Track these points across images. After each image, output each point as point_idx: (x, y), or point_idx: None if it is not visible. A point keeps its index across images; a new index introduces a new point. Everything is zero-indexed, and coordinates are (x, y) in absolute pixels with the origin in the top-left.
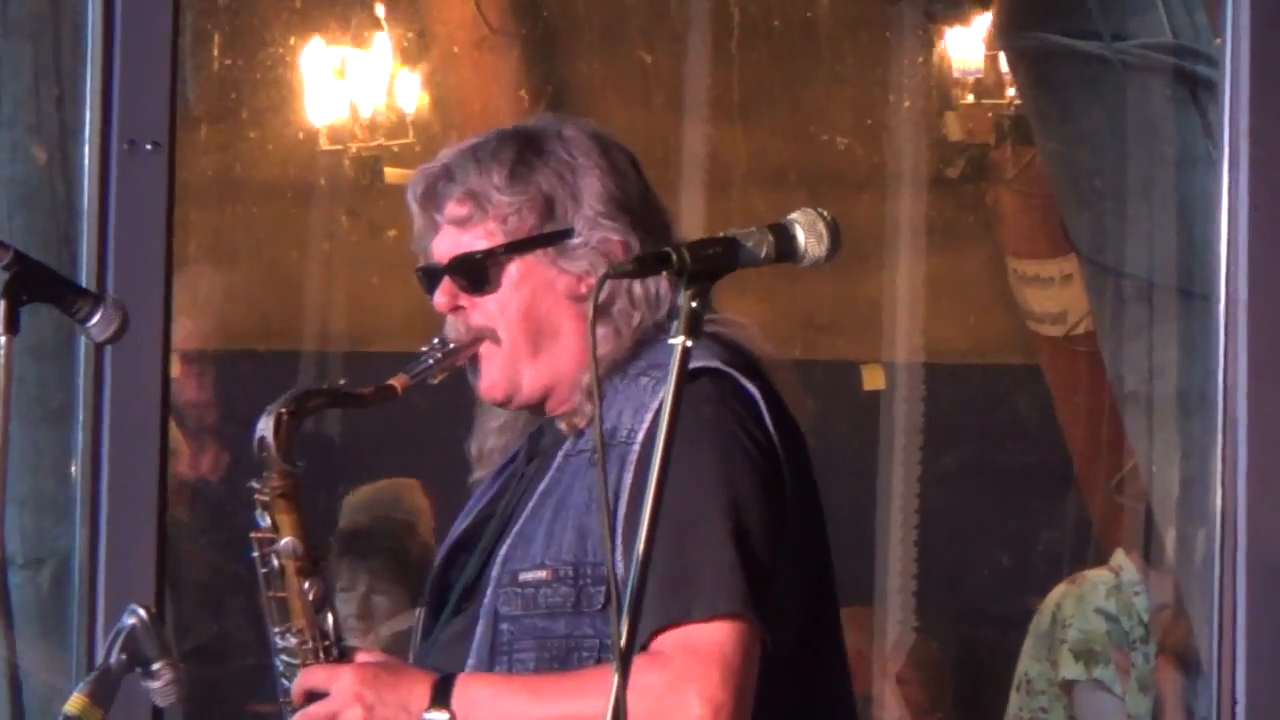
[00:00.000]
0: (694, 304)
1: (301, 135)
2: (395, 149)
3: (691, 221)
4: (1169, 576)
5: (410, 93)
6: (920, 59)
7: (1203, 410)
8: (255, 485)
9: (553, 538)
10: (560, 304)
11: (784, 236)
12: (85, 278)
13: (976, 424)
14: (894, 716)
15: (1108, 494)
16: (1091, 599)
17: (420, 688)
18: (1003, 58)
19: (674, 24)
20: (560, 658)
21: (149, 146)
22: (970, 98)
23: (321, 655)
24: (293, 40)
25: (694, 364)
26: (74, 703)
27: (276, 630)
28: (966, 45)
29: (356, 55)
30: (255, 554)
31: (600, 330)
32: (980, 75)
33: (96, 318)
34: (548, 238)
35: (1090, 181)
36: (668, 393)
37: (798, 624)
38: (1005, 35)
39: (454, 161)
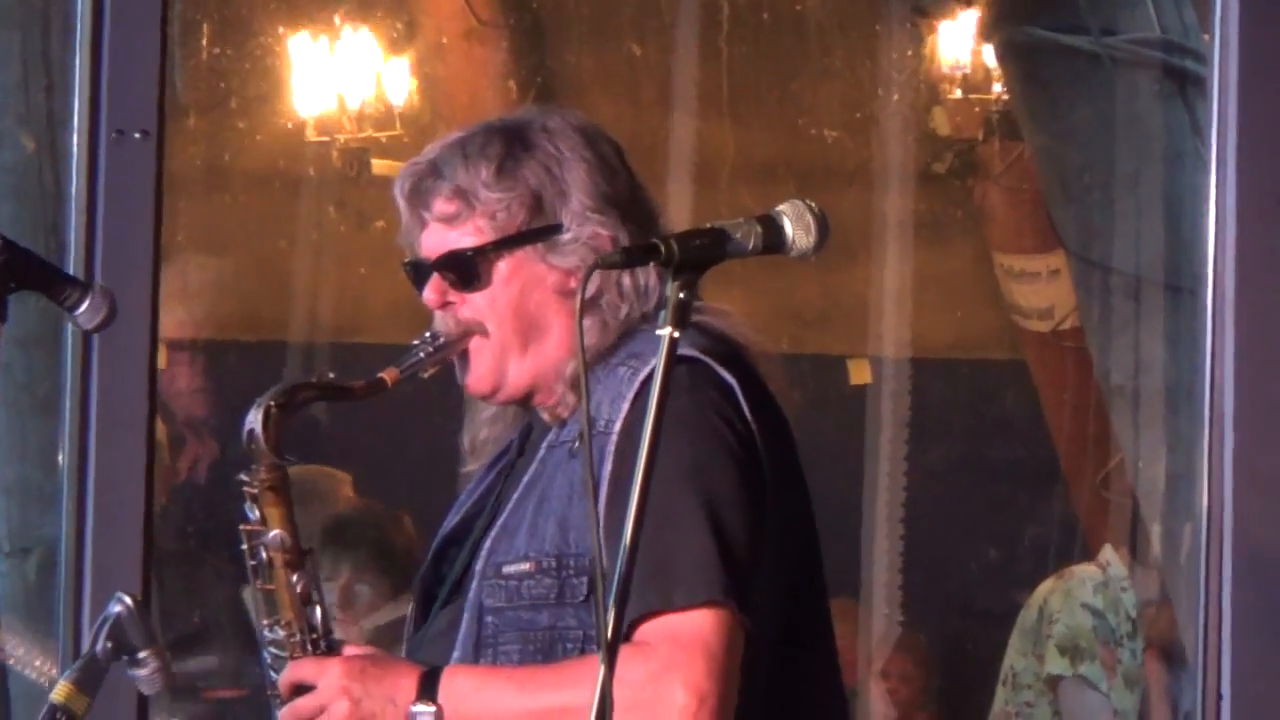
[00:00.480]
0: (682, 295)
1: (290, 126)
2: (383, 140)
3: (679, 215)
4: (1154, 571)
5: (398, 84)
6: (909, 54)
7: (1189, 405)
8: (244, 478)
9: (535, 530)
10: (549, 299)
11: (772, 228)
12: (73, 266)
13: (963, 419)
14: (879, 710)
15: (1094, 489)
16: (1079, 595)
17: (407, 680)
18: (991, 53)
19: (663, 17)
20: (544, 649)
21: (137, 135)
22: (958, 93)
23: (309, 648)
24: (281, 30)
25: None
26: (61, 691)
27: (265, 622)
28: (955, 40)
29: (344, 46)
30: (244, 546)
31: (588, 322)
32: (968, 70)
33: (84, 306)
34: (536, 233)
35: (1078, 177)
36: (655, 383)
37: (782, 611)
38: (994, 30)
39: (440, 158)
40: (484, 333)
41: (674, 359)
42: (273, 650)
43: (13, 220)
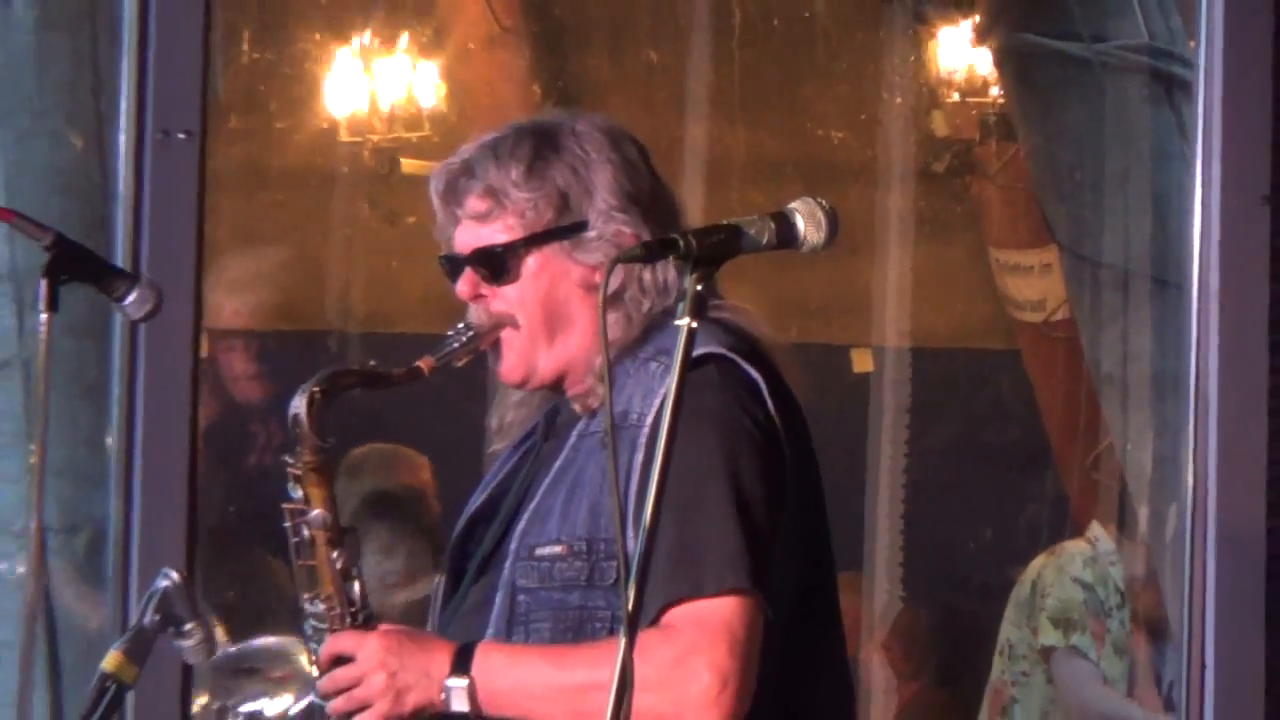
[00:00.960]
0: (698, 287)
1: (325, 127)
2: (413, 141)
3: (693, 212)
4: (1142, 548)
5: (427, 87)
6: (910, 59)
7: (1175, 392)
8: (288, 459)
9: (568, 515)
10: (575, 293)
11: (785, 224)
12: (121, 259)
13: (960, 405)
14: (881, 679)
15: (1084, 471)
16: (1069, 569)
17: (441, 655)
18: (988, 58)
19: (678, 24)
20: (574, 628)
21: (181, 135)
22: (957, 96)
23: (348, 621)
24: (317, 36)
25: (699, 350)
26: (111, 660)
27: (305, 596)
28: (954, 46)
29: (376, 52)
30: (287, 524)
31: (611, 316)
32: (967, 74)
33: (132, 297)
34: (563, 231)
35: (1070, 176)
36: (673, 371)
37: (796, 594)
38: (990, 36)
39: (473, 158)
40: (514, 324)
41: (696, 355)
42: (313, 623)
43: (63, 216)
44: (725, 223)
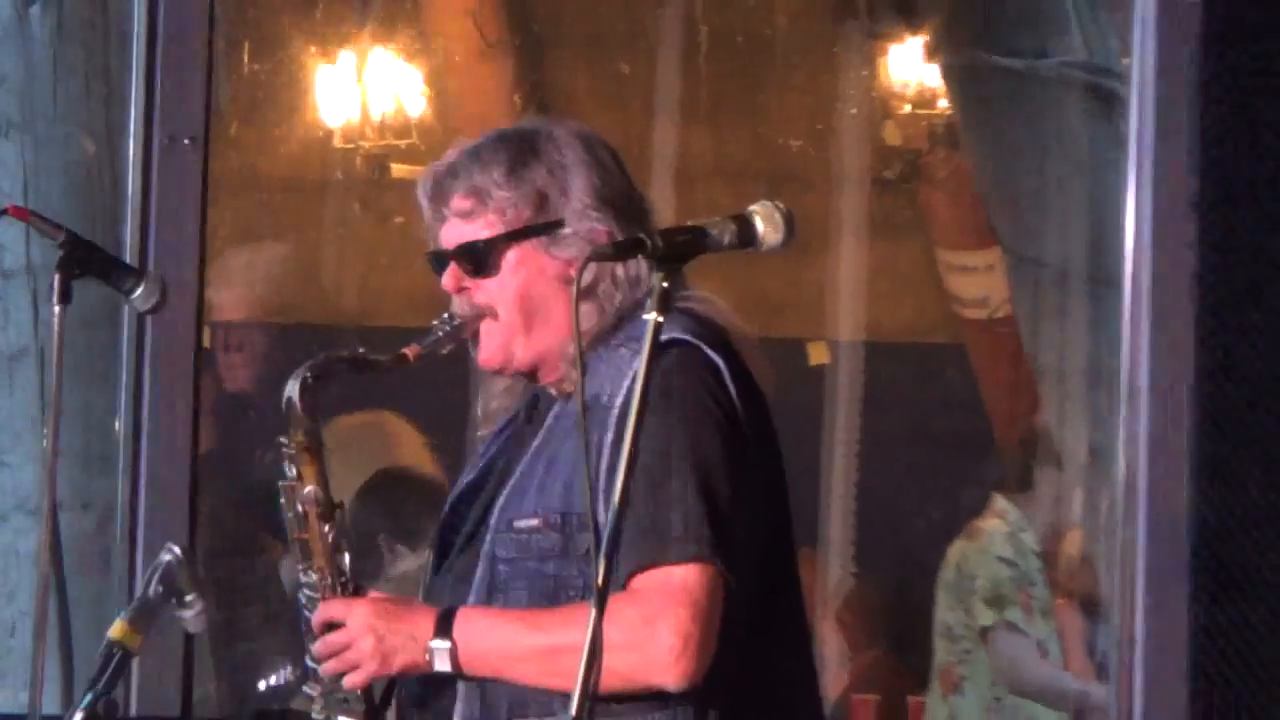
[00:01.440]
0: (665, 284)
1: (319, 134)
2: (402, 147)
3: (662, 214)
4: (1077, 529)
5: (415, 97)
6: (864, 73)
7: (1108, 385)
8: (282, 440)
9: (544, 490)
10: (552, 286)
11: (745, 225)
12: (129, 256)
13: (910, 395)
14: (834, 649)
15: (1024, 457)
16: (992, 549)
17: (425, 619)
18: (937, 73)
19: (648, 39)
20: (549, 595)
21: (186, 141)
22: (907, 108)
23: (338, 589)
24: (312, 50)
25: (666, 336)
26: (117, 628)
27: (300, 567)
28: (905, 61)
29: (367, 64)
30: (281, 500)
31: (585, 308)
32: (917, 88)
33: (139, 291)
34: (541, 228)
35: (1012, 182)
36: (641, 361)
37: (758, 565)
38: (939, 53)
39: (459, 161)
40: (494, 315)
41: (663, 340)
42: (307, 592)
43: (76, 215)
44: (690, 224)
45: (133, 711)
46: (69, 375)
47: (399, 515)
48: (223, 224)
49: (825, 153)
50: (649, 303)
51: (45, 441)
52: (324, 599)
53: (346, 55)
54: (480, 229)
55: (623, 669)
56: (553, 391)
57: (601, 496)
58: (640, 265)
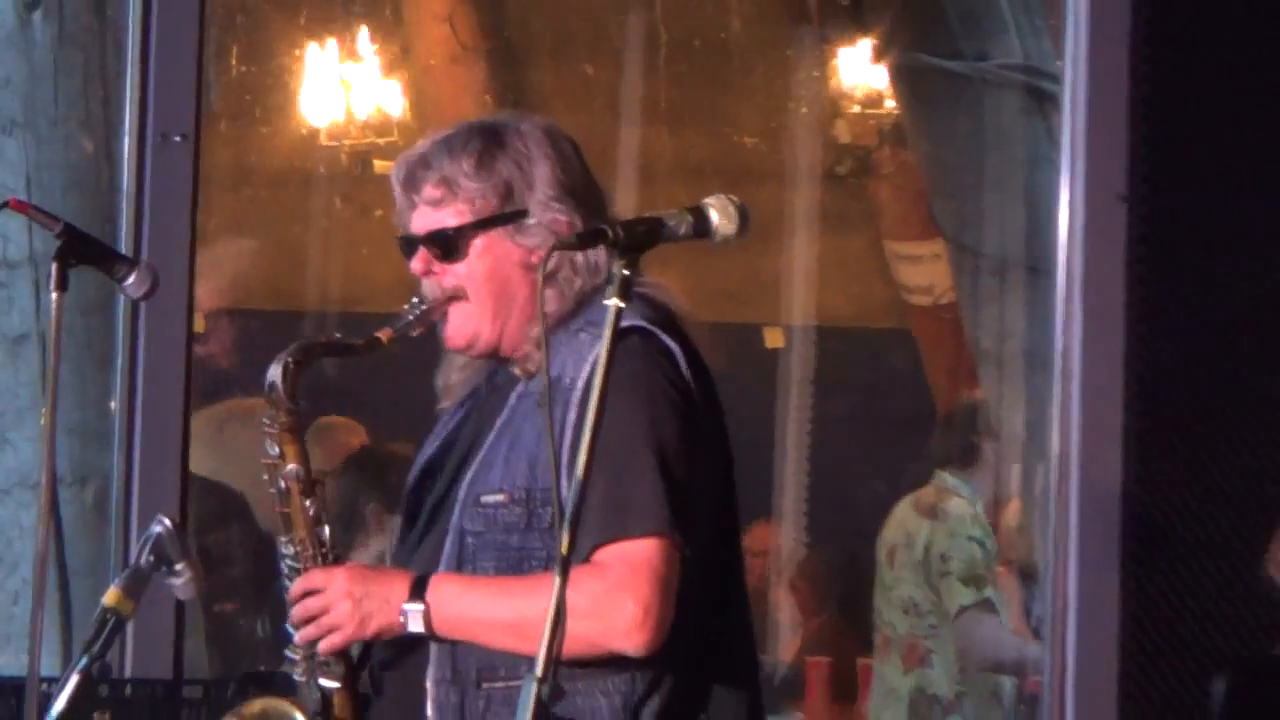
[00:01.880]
0: (625, 272)
1: (305, 132)
2: (382, 144)
3: (625, 207)
4: (1016, 500)
5: (395, 98)
6: (816, 74)
7: (1044, 366)
8: (266, 421)
9: (509, 466)
10: (516, 271)
11: (700, 217)
12: (124, 246)
13: (859, 376)
14: (787, 614)
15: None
16: (961, 530)
17: (400, 584)
18: (884, 74)
19: (612, 42)
20: (515, 566)
21: (178, 138)
22: (857, 108)
23: (318, 560)
24: (298, 52)
25: (624, 323)
26: (111, 595)
27: (282, 539)
28: (854, 64)
29: (350, 66)
30: (265, 477)
31: (548, 292)
32: (865, 89)
33: (133, 279)
34: (507, 217)
35: (954, 177)
36: (602, 345)
37: (708, 534)
38: (887, 56)
39: (430, 151)
40: (462, 297)
41: (621, 327)
42: (289, 563)
43: (75, 208)
44: (648, 215)
45: (127, 673)
46: (68, 358)
47: (386, 487)
48: (212, 217)
49: (779, 150)
50: (609, 289)
51: (44, 419)
52: (304, 570)
53: (331, 58)
54: (449, 216)
55: (588, 635)
56: (516, 371)
57: (565, 472)
58: (600, 253)
